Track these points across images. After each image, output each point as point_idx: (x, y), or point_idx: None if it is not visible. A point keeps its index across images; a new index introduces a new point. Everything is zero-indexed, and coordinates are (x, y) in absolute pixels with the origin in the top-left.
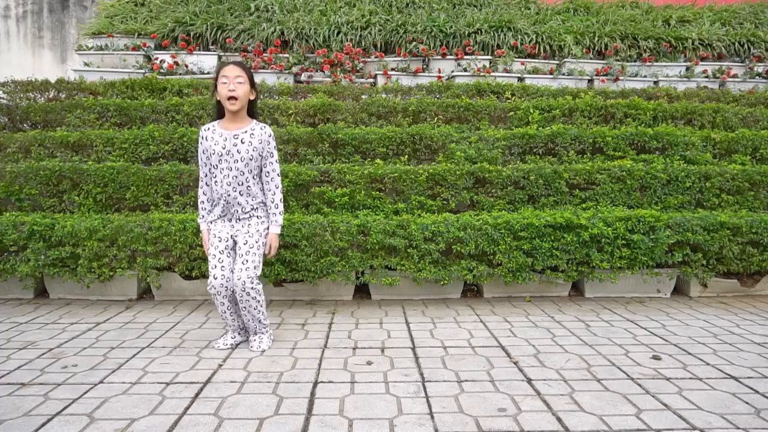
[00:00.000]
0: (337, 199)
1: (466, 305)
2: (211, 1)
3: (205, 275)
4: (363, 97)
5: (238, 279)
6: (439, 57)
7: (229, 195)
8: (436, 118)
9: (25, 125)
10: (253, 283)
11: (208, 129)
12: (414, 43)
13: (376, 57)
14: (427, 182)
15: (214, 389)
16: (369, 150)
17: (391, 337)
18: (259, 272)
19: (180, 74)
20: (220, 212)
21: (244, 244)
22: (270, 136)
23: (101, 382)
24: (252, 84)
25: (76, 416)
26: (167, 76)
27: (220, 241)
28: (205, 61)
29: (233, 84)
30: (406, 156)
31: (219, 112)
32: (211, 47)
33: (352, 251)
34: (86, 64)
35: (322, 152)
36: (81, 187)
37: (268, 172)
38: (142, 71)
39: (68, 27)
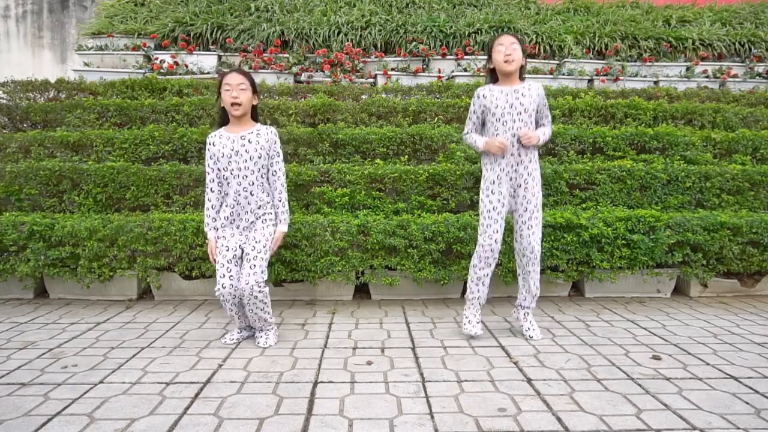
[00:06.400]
0: (337, 199)
1: None
2: (211, 1)
3: (204, 275)
4: (363, 97)
5: (247, 284)
6: (439, 57)
7: (239, 195)
8: (436, 118)
9: (25, 125)
10: (260, 286)
11: (215, 135)
12: (414, 43)
13: (376, 57)
14: (427, 182)
15: (214, 389)
16: (369, 150)
17: (391, 337)
18: (266, 276)
19: (180, 74)
20: (228, 214)
21: (252, 249)
22: (275, 135)
23: (101, 382)
24: (254, 90)
25: (76, 416)
26: (167, 76)
27: (227, 250)
28: (205, 61)
29: (236, 91)
30: (406, 156)
31: (223, 119)
32: (211, 47)
33: (352, 251)
34: (86, 64)
35: (322, 152)
36: (81, 187)
37: (275, 171)
38: (142, 71)
39: (68, 27)
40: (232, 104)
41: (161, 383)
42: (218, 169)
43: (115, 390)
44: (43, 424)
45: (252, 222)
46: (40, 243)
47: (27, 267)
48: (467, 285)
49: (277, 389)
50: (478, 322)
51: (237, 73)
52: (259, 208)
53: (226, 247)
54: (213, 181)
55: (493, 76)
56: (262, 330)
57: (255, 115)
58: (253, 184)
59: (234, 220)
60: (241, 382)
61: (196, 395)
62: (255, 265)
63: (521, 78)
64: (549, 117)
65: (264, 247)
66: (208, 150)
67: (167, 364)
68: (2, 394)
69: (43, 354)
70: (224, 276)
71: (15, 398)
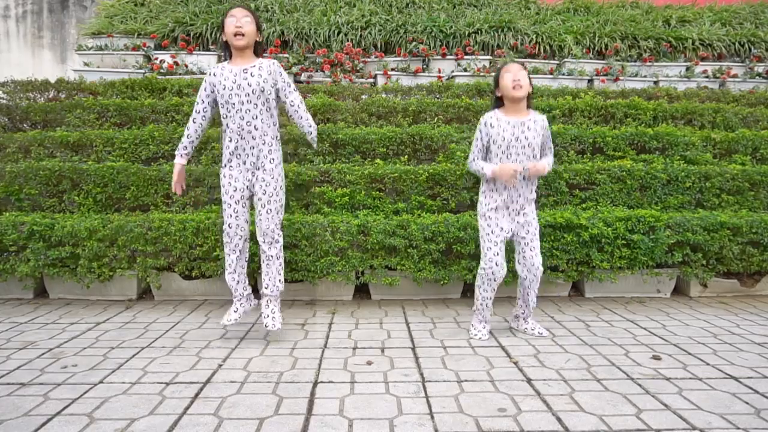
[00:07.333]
0: (337, 199)
1: (466, 305)
2: (211, 1)
3: (204, 275)
4: (363, 97)
5: (267, 228)
6: (439, 57)
7: (242, 129)
8: (436, 118)
9: (25, 125)
10: (278, 228)
11: (217, 67)
12: (414, 43)
13: (376, 57)
14: (427, 182)
15: (214, 389)
16: (369, 150)
17: (391, 337)
18: (281, 217)
19: (180, 74)
20: (233, 149)
21: (264, 194)
22: (279, 66)
23: (101, 382)
24: (258, 27)
25: (76, 416)
26: (167, 76)
27: (235, 191)
28: (205, 61)
29: (240, 21)
30: (406, 156)
31: (227, 55)
32: (211, 47)
33: (352, 251)
34: (86, 64)
35: (322, 152)
36: (81, 187)
37: (292, 101)
38: (142, 71)
39: (68, 27)
40: (236, 34)
41: (161, 383)
42: (216, 102)
43: (115, 390)
44: (43, 424)
45: (259, 159)
46: (40, 243)
47: (27, 267)
48: (474, 300)
49: (277, 389)
50: (484, 328)
51: (242, 7)
52: (264, 143)
53: (234, 187)
54: (198, 112)
55: (498, 102)
56: (269, 303)
57: (259, 53)
58: (255, 117)
59: (240, 155)
60: (241, 382)
61: (196, 395)
62: (270, 210)
63: (528, 106)
64: (551, 147)
65: (274, 189)
66: (206, 80)
67: (167, 364)
68: (2, 394)
69: (43, 354)
70: (230, 216)
71: (15, 398)
